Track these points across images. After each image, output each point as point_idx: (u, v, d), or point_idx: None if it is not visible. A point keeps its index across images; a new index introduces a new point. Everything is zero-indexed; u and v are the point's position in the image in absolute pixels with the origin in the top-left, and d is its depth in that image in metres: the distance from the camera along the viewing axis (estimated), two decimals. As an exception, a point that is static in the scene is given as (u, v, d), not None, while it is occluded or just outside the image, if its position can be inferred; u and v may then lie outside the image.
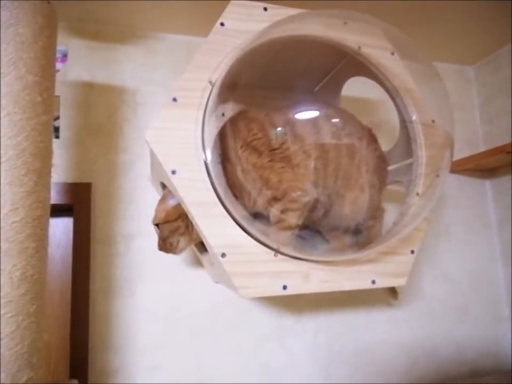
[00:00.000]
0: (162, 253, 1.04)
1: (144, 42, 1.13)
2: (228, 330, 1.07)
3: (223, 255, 0.67)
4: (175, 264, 1.04)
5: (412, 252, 0.80)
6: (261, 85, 1.04)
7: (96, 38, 1.09)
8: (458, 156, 1.30)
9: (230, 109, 1.03)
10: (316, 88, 1.12)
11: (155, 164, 0.74)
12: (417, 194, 0.80)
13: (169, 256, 1.04)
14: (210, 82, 0.71)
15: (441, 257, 1.29)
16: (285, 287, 0.70)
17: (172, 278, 1.04)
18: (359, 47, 0.84)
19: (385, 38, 0.87)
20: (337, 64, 0.98)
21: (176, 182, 0.66)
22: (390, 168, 0.96)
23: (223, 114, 1.02)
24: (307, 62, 0.99)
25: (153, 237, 1.04)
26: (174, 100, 0.69)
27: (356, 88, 1.06)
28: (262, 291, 0.69)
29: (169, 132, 0.68)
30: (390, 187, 0.98)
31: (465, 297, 1.29)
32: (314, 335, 1.13)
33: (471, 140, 1.41)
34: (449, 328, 1.25)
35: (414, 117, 0.81)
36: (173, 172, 0.66)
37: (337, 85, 1.07)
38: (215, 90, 0.71)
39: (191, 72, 0.71)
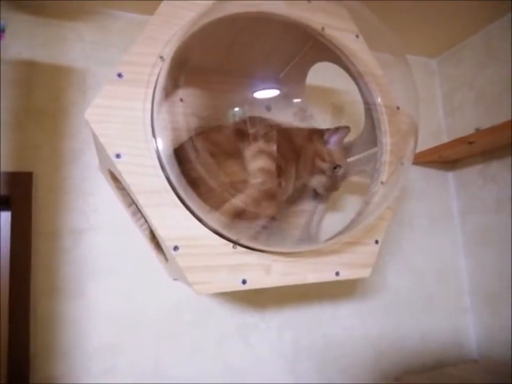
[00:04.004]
0: (116, 249, 0.96)
1: (95, 19, 1.03)
2: (188, 329, 1.00)
3: (176, 248, 0.61)
4: (130, 260, 0.97)
5: (376, 241, 0.77)
6: (222, 70, 0.98)
7: (39, 12, 0.98)
8: (421, 147, 1.30)
9: (189, 94, 0.97)
10: (281, 75, 1.08)
11: (99, 147, 0.66)
12: (382, 182, 0.78)
13: (123, 251, 0.97)
14: (161, 57, 0.64)
15: (405, 249, 1.29)
16: (244, 282, 0.65)
17: (127, 275, 0.97)
18: (323, 28, 0.80)
19: (350, 19, 0.83)
20: (302, 49, 0.94)
21: (121, 168, 0.59)
22: (355, 157, 0.94)
23: (181, 100, 0.96)
24: (271, 46, 0.94)
25: (105, 231, 0.96)
26: (119, 75, 0.62)
27: (321, 76, 1.03)
28: (220, 286, 0.64)
29: (114, 111, 0.60)
30: (355, 178, 0.96)
31: (430, 288, 1.30)
32: (279, 331, 1.09)
33: (434, 132, 1.42)
34: (415, 319, 1.26)
35: (378, 100, 0.78)
36: (118, 156, 0.59)
37: (302, 71, 1.03)
38: (166, 67, 0.64)
39: (140, 45, 0.64)
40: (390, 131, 0.80)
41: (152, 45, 0.65)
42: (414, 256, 1.29)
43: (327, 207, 1.13)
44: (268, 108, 1.09)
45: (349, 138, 0.96)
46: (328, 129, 0.86)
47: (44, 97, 0.96)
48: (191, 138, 0.69)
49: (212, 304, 1.03)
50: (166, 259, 0.78)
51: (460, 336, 1.31)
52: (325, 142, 0.84)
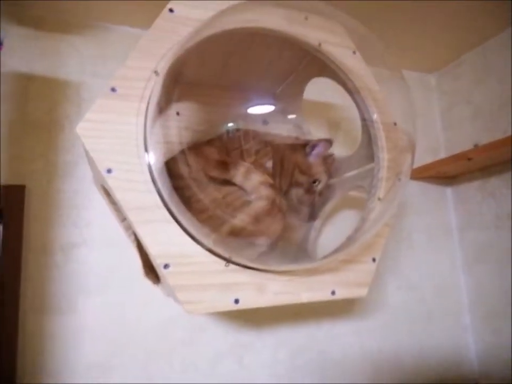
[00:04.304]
0: (108, 265, 0.94)
1: (93, 33, 1.03)
2: (182, 348, 0.98)
3: (166, 266, 0.59)
4: (122, 276, 0.95)
5: (374, 259, 0.76)
6: (219, 83, 0.98)
7: (36, 26, 0.99)
8: (420, 162, 1.30)
9: (185, 108, 0.96)
10: (278, 90, 1.08)
11: (90, 162, 0.65)
12: (379, 199, 0.76)
13: (116, 267, 0.95)
14: (155, 72, 0.64)
15: (404, 265, 1.26)
16: (236, 301, 0.63)
17: (119, 291, 0.94)
18: (320, 44, 0.80)
19: (347, 36, 0.83)
20: (299, 64, 0.94)
21: (111, 183, 0.58)
22: (352, 173, 0.93)
23: (177, 113, 0.96)
24: (268, 61, 0.94)
25: (98, 245, 0.95)
26: (113, 89, 0.61)
27: (319, 91, 1.03)
28: (211, 306, 0.62)
29: (106, 126, 0.59)
30: (352, 193, 0.95)
31: (429, 305, 1.27)
32: (275, 350, 1.06)
33: (433, 147, 1.41)
34: (414, 337, 1.23)
35: (374, 117, 0.77)
36: (109, 171, 0.58)
37: (299, 86, 1.03)
38: (161, 81, 0.63)
39: (134, 59, 0.64)
40: (387, 147, 0.79)
41: (147, 59, 0.64)
42: (412, 272, 1.27)
43: (324, 223, 1.12)
44: (265, 122, 1.09)
45: (346, 153, 0.96)
46: (310, 141, 0.84)
47: (39, 110, 0.96)
48: (183, 151, 0.68)
49: (205, 322, 1.00)
50: (158, 280, 0.76)
51: (460, 354, 1.28)
52: (306, 154, 0.83)
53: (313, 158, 0.83)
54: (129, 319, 0.94)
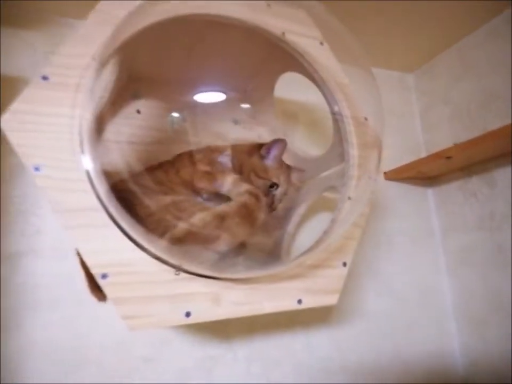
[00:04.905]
0: (59, 276, 0.86)
1: (47, 28, 0.97)
2: (144, 365, 0.90)
3: (104, 276, 0.52)
4: (76, 289, 0.86)
5: (344, 264, 0.69)
6: (183, 80, 0.92)
7: (-15, 19, 0.92)
8: (400, 163, 1.25)
9: (146, 105, 0.90)
10: (249, 88, 1.03)
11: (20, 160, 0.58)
12: (349, 198, 0.71)
13: (68, 278, 0.87)
14: (94, 59, 0.57)
15: (384, 270, 1.21)
16: (188, 314, 0.56)
17: (72, 305, 0.86)
18: (283, 33, 0.74)
19: (314, 26, 0.78)
20: (266, 58, 0.89)
21: (40, 182, 0.51)
22: (325, 173, 0.88)
23: (138, 111, 0.90)
24: (234, 55, 0.89)
25: (48, 255, 0.87)
26: (45, 78, 0.54)
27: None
28: (157, 321, 0.55)
29: (35, 118, 0.53)
30: (326, 194, 0.89)
31: (411, 312, 1.22)
32: (247, 364, 0.98)
33: (413, 147, 1.37)
34: (396, 346, 1.17)
35: (337, 109, 0.72)
36: (37, 169, 0.51)
37: (268, 83, 0.97)
38: (101, 69, 0.57)
39: (71, 46, 0.57)
40: (357, 143, 0.74)
41: (86, 46, 0.58)
42: (393, 277, 1.21)
43: (299, 227, 1.06)
44: (236, 122, 1.03)
45: (318, 153, 0.91)
46: (265, 143, 0.81)
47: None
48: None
49: (169, 335, 0.93)
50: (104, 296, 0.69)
51: (445, 362, 1.22)
52: (262, 157, 0.80)
53: (270, 161, 0.80)
54: (83, 336, 0.85)
